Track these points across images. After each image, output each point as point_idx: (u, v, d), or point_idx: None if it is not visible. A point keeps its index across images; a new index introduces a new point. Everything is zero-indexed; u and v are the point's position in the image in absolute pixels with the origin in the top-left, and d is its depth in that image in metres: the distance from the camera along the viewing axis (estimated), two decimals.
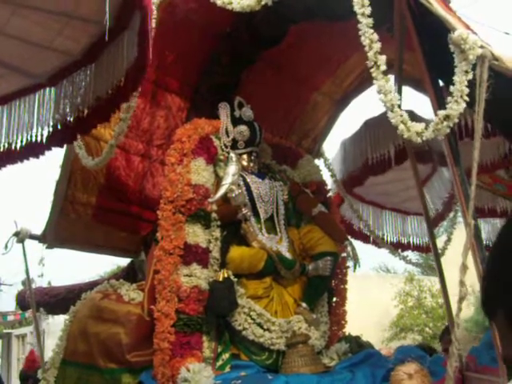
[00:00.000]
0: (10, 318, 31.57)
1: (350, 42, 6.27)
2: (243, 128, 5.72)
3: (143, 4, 3.57)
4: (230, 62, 6.30)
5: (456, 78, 3.39)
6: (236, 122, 5.75)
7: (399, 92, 4.95)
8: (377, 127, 6.55)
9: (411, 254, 8.05)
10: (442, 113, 3.42)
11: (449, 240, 7.28)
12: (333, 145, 7.87)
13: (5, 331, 30.97)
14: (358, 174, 6.93)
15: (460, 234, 7.17)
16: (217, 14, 5.67)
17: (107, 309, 5.51)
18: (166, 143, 6.43)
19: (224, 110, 5.80)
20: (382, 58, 3.72)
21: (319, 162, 6.89)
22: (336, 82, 6.95)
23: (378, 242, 7.62)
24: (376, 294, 18.06)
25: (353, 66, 6.78)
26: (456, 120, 3.43)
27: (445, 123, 3.38)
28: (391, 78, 3.78)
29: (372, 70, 3.75)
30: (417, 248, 7.71)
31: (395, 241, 7.73)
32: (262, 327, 5.12)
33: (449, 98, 3.42)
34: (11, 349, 29.60)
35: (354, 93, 7.19)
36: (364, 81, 7.04)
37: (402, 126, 3.53)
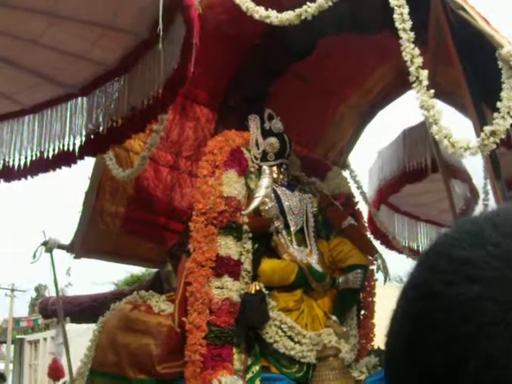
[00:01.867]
0: (23, 323, 31.69)
1: (377, 54, 6.34)
2: (273, 140, 5.73)
3: (190, 17, 3.58)
4: (259, 74, 6.31)
5: (503, 94, 3.37)
6: (266, 134, 5.77)
7: None
8: (415, 136, 6.55)
9: None
10: (488, 128, 3.40)
11: None
12: (358, 157, 7.88)
13: (17, 337, 31.05)
14: (394, 182, 6.92)
15: None
16: (247, 26, 5.70)
17: (137, 320, 5.51)
18: (195, 154, 6.46)
19: (254, 122, 5.81)
20: (424, 73, 3.71)
21: (345, 174, 6.87)
22: (362, 94, 6.96)
23: (413, 253, 7.59)
24: (391, 305, 17.91)
25: (379, 78, 6.80)
26: (503, 136, 3.41)
27: (491, 139, 3.36)
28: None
29: (414, 85, 3.74)
30: None
31: None
32: (292, 340, 5.11)
33: (495, 114, 3.40)
34: (24, 354, 29.61)
35: (380, 105, 7.20)
36: (390, 93, 7.06)
37: (446, 142, 3.51)
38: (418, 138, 6.42)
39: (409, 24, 3.82)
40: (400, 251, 7.62)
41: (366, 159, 7.93)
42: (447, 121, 5.40)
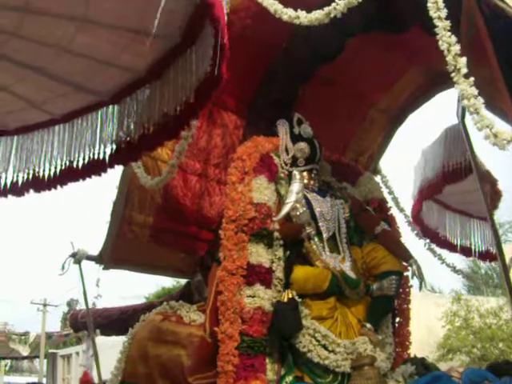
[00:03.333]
0: (55, 338, 31.94)
1: (406, 55, 6.22)
2: (303, 145, 5.64)
3: (215, 17, 3.49)
4: (287, 78, 6.22)
5: None
6: (295, 139, 5.68)
7: (464, 107, 4.83)
8: (456, 135, 6.41)
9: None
10: None
11: None
12: (389, 162, 7.76)
13: (50, 351, 31.28)
14: (436, 182, 6.78)
15: None
16: (273, 29, 5.62)
17: (168, 331, 5.42)
18: (223, 162, 6.37)
19: (283, 127, 5.73)
20: (463, 61, 3.56)
21: (377, 179, 6.76)
22: (392, 98, 6.84)
23: (467, 252, 7.45)
24: (421, 315, 17.72)
25: (409, 80, 6.68)
26: None
27: None
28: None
29: (453, 75, 3.59)
30: None
31: (484, 250, 7.50)
32: (326, 349, 4.98)
33: None
34: (57, 369, 29.80)
35: (411, 108, 7.07)
36: (420, 95, 6.93)
37: (487, 131, 3.35)
38: (460, 136, 6.27)
39: (444, 12, 3.69)
40: (453, 249, 7.46)
41: (397, 163, 7.81)
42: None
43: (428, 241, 7.23)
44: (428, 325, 17.18)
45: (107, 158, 4.33)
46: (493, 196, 6.78)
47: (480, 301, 18.85)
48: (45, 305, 32.65)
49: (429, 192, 7.02)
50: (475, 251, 7.50)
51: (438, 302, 18.08)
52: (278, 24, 4.90)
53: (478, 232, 7.58)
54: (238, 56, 5.90)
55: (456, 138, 6.51)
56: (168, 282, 24.24)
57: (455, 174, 6.46)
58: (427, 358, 5.66)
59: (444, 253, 7.46)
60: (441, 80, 6.55)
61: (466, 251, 7.54)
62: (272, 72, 6.22)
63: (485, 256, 7.52)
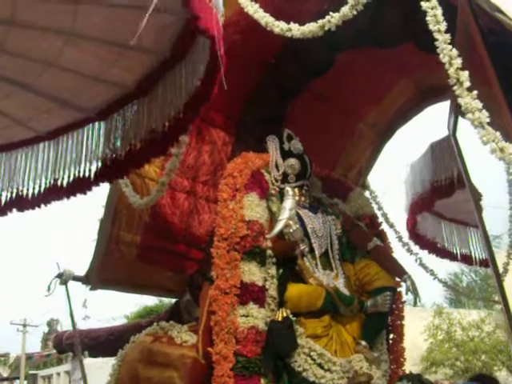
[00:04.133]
0: (36, 358, 31.51)
1: (395, 70, 6.20)
2: (293, 161, 5.60)
3: (210, 33, 3.42)
4: (276, 94, 6.17)
5: None
6: (286, 155, 5.64)
7: (456, 118, 4.80)
8: (442, 150, 6.39)
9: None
10: None
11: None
12: (377, 177, 7.73)
13: (30, 372, 30.88)
14: (427, 197, 6.75)
15: None
16: (262, 45, 5.58)
17: (159, 352, 5.30)
18: (212, 179, 6.30)
19: (273, 143, 5.68)
20: (465, 74, 3.51)
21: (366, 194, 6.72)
22: (381, 112, 6.82)
23: (467, 260, 7.42)
24: (405, 329, 17.68)
25: (398, 94, 6.68)
26: None
27: None
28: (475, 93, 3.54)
29: (455, 88, 3.53)
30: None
31: (483, 258, 7.47)
32: (322, 368, 4.89)
33: None
34: None
35: (399, 122, 7.06)
36: (409, 110, 6.92)
37: (493, 145, 3.29)
38: (446, 151, 6.26)
39: (444, 25, 3.64)
40: (454, 258, 7.45)
41: (386, 177, 7.78)
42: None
43: (419, 256, 7.19)
44: (411, 338, 17.18)
45: (93, 175, 4.22)
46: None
47: (462, 313, 18.90)
48: (24, 325, 32.17)
49: (421, 206, 6.99)
50: (475, 259, 7.48)
51: (420, 316, 18.08)
52: (267, 39, 4.87)
53: (476, 240, 7.57)
54: (226, 72, 5.87)
55: (443, 153, 6.50)
56: (150, 301, 24.00)
57: (446, 189, 6.44)
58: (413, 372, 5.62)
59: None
60: (429, 94, 6.56)
61: (466, 259, 7.51)
62: (261, 88, 6.17)
63: (486, 263, 7.51)
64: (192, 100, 3.82)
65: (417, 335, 17.38)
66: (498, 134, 3.29)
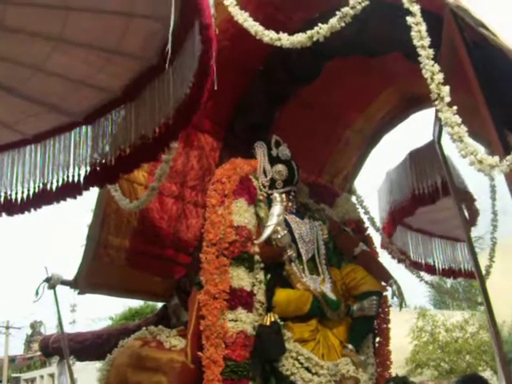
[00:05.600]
0: (18, 361, 31.31)
1: (381, 78, 6.28)
2: (281, 167, 5.65)
3: (209, 38, 3.47)
4: (264, 101, 6.23)
5: None
6: (273, 161, 5.70)
7: (441, 126, 4.88)
8: (422, 158, 6.48)
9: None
10: None
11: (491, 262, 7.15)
12: (363, 182, 7.80)
13: (13, 375, 30.71)
14: (407, 205, 6.84)
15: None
16: (250, 52, 5.64)
17: (148, 357, 5.34)
18: (200, 184, 6.34)
19: (261, 150, 5.74)
20: (446, 89, 3.60)
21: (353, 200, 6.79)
22: (368, 119, 6.90)
23: (430, 269, 7.57)
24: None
25: (384, 102, 6.75)
26: None
27: None
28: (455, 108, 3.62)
29: (436, 103, 3.63)
30: (468, 275, 7.57)
31: (446, 267, 7.62)
32: (310, 371, 4.96)
33: None
34: None
35: (386, 128, 7.14)
36: (395, 117, 7.00)
37: (472, 158, 3.39)
38: (426, 160, 6.35)
39: (427, 41, 3.73)
40: (419, 267, 7.55)
41: (371, 183, 7.86)
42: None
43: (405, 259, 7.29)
44: (396, 341, 17.28)
45: (82, 179, 4.24)
46: (471, 214, 6.88)
47: (446, 315, 19.05)
48: (7, 327, 31.97)
49: (400, 214, 7.08)
50: (439, 268, 7.62)
51: (404, 318, 18.23)
52: (255, 46, 4.92)
53: (440, 250, 7.73)
54: (215, 78, 5.92)
55: (423, 161, 6.60)
56: (134, 303, 24.00)
57: (428, 197, 6.54)
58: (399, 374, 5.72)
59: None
60: (414, 102, 6.65)
61: (430, 269, 7.64)
62: (249, 94, 6.23)
63: (448, 272, 7.68)
64: (182, 107, 3.87)
65: (402, 337, 17.52)
66: (476, 146, 3.38)
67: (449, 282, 26.25)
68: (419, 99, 6.38)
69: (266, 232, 5.11)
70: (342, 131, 6.91)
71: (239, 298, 4.92)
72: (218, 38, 5.65)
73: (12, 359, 31.37)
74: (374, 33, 5.11)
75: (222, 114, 6.32)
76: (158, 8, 3.23)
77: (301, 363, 4.95)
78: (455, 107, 3.57)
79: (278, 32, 4.56)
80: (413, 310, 21.64)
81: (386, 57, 5.56)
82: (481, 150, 3.57)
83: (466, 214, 7.10)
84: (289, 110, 6.39)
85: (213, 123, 6.35)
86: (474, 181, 6.83)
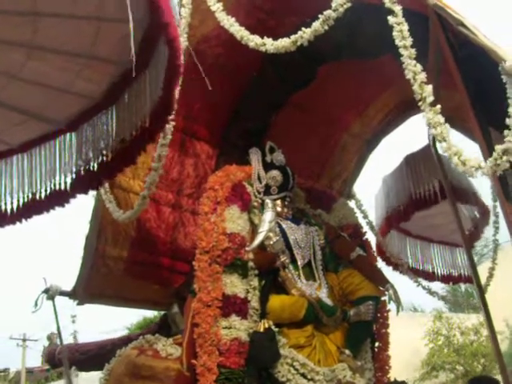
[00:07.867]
0: (36, 373, 31.33)
1: (378, 80, 6.24)
2: (275, 173, 5.64)
3: (170, 37, 3.46)
4: (260, 107, 6.22)
5: (511, 110, 3.22)
6: (268, 167, 5.68)
7: None
8: (418, 162, 6.45)
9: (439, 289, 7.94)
10: (500, 147, 3.22)
11: (492, 271, 7.08)
12: (363, 186, 7.75)
13: None
14: (403, 210, 6.79)
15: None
16: (244, 58, 5.63)
17: (144, 365, 5.32)
18: (196, 192, 6.33)
19: (255, 156, 5.72)
20: (428, 89, 3.57)
21: (351, 204, 6.75)
22: (365, 122, 6.86)
23: (429, 275, 7.49)
24: (405, 334, 17.71)
25: (382, 104, 6.71)
26: None
27: (504, 158, 3.19)
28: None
29: (420, 103, 3.61)
30: (467, 280, 7.50)
31: (446, 274, 7.54)
32: (305, 377, 4.91)
33: (506, 132, 3.23)
34: None
35: (384, 131, 7.09)
36: (393, 119, 6.96)
37: (456, 159, 3.35)
38: (422, 164, 6.32)
39: (409, 41, 3.72)
40: (416, 274, 7.47)
41: (371, 187, 7.81)
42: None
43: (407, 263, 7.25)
44: (412, 344, 17.19)
45: (68, 187, 4.23)
46: (482, 216, 6.85)
47: (461, 318, 18.91)
48: (24, 340, 32.05)
49: (397, 219, 7.03)
50: (437, 275, 7.55)
51: (420, 321, 18.12)
52: (249, 52, 4.90)
53: (439, 256, 7.65)
54: (211, 84, 5.92)
55: (419, 166, 6.55)
56: (149, 312, 23.92)
57: (426, 201, 6.49)
58: (408, 377, 5.65)
59: None
60: (412, 104, 6.57)
61: (428, 276, 7.56)
62: (244, 100, 6.23)
63: (447, 279, 7.59)
64: (157, 109, 3.86)
65: (417, 340, 17.42)
66: (458, 147, 3.35)
67: (463, 286, 26.15)
68: (416, 101, 6.33)
69: (258, 239, 5.10)
70: (340, 135, 6.87)
71: (233, 305, 4.90)
72: (211, 44, 5.70)
73: (29, 371, 31.41)
74: (364, 35, 5.11)
75: (217, 121, 6.32)
76: (127, 11, 3.22)
77: (296, 369, 4.90)
78: (438, 106, 3.55)
79: (273, 38, 4.56)
80: (429, 313, 21.53)
81: (382, 59, 5.53)
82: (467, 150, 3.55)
83: (476, 213, 7.08)
84: (285, 114, 6.38)
85: (208, 130, 6.35)
86: (474, 182, 6.81)
